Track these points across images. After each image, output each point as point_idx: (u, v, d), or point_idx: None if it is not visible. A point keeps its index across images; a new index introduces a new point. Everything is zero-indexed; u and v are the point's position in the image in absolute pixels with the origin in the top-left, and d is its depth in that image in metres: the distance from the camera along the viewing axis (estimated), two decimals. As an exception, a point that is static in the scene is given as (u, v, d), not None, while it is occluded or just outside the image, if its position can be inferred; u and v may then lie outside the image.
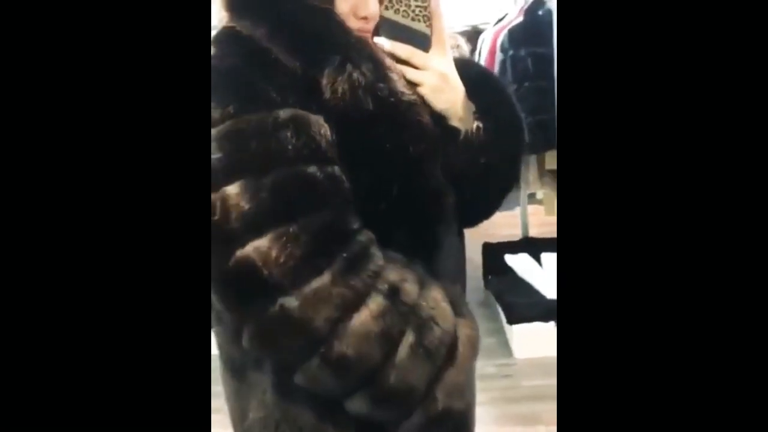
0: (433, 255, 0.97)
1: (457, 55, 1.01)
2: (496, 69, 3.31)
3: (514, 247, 3.77)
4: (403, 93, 0.89)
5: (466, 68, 0.99)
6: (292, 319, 0.82)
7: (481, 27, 3.91)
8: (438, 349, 0.88)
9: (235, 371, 1.00)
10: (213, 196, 0.82)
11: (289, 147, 0.84)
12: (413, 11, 0.93)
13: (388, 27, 0.93)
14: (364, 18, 0.91)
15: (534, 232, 3.97)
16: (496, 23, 3.68)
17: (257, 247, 0.82)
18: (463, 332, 0.91)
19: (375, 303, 0.85)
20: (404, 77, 0.91)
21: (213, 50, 0.88)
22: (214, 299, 0.86)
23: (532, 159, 3.43)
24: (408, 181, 0.91)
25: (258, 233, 0.82)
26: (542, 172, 3.44)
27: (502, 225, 3.06)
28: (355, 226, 0.87)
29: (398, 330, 0.86)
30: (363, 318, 0.84)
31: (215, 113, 0.84)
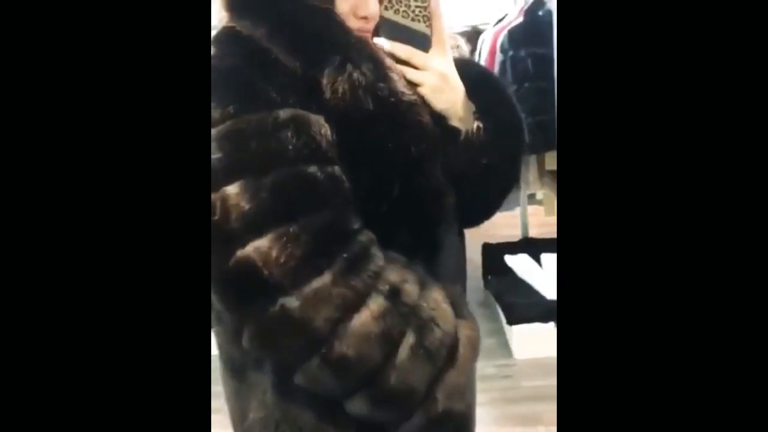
0: (434, 255, 0.97)
1: (457, 55, 1.01)
2: (496, 69, 3.31)
3: (514, 247, 3.77)
4: (403, 93, 0.89)
5: (466, 68, 0.98)
6: (293, 319, 0.82)
7: (481, 27, 3.91)
8: (438, 350, 0.88)
9: (235, 371, 1.00)
10: (213, 196, 0.82)
11: (290, 147, 0.83)
12: (413, 11, 0.93)
13: (388, 27, 0.93)
14: (364, 18, 0.90)
15: (534, 233, 3.97)
16: (496, 24, 3.68)
17: (257, 247, 0.82)
18: (463, 333, 0.91)
19: (375, 303, 0.85)
20: (404, 77, 0.91)
21: (213, 50, 0.88)
22: (215, 299, 0.86)
23: (532, 159, 3.43)
24: (408, 181, 0.90)
25: (258, 233, 0.82)
26: (542, 172, 3.44)
27: (502, 225, 3.05)
28: (356, 226, 0.87)
29: (399, 331, 0.86)
30: (363, 318, 0.84)
31: (215, 113, 0.84)
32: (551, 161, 3.28)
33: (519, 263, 3.58)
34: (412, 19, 0.93)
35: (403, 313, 0.86)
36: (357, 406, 0.88)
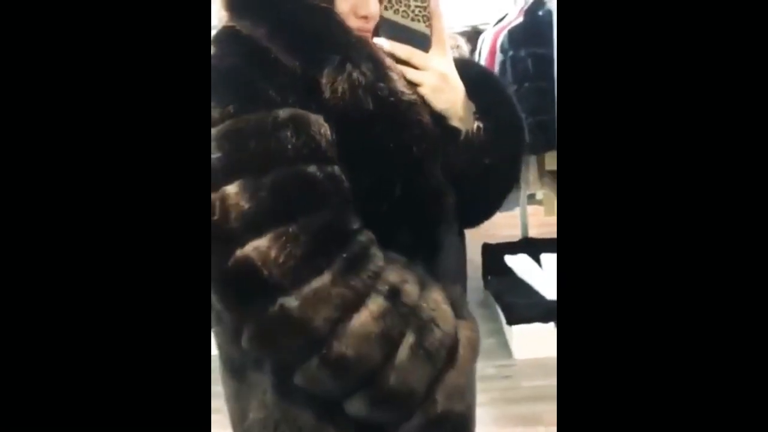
0: (434, 255, 0.97)
1: (457, 55, 1.01)
2: (496, 69, 3.31)
3: (514, 247, 3.77)
4: (403, 92, 0.89)
5: (466, 68, 0.98)
6: (292, 319, 0.82)
7: (481, 27, 3.92)
8: (438, 351, 0.88)
9: (235, 371, 1.00)
10: (212, 195, 0.82)
11: (289, 146, 0.83)
12: (413, 11, 0.92)
13: (387, 27, 0.92)
14: (364, 17, 0.90)
15: (534, 233, 3.98)
16: (496, 24, 3.68)
17: (257, 246, 0.81)
18: (463, 334, 0.91)
19: (375, 304, 0.85)
20: (404, 77, 0.91)
21: (213, 50, 0.88)
22: (214, 299, 0.86)
23: (532, 160, 3.43)
24: (408, 181, 0.90)
25: (257, 233, 0.82)
26: (542, 172, 3.44)
27: (502, 225, 3.06)
28: (355, 226, 0.87)
29: (398, 331, 0.85)
30: (363, 319, 0.84)
31: (215, 113, 0.84)
32: (551, 161, 3.28)
33: (519, 263, 3.58)
34: (412, 19, 0.93)
35: (402, 314, 0.86)
36: (356, 406, 0.88)
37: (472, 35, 3.71)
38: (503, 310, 3.25)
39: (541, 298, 3.21)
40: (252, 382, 0.97)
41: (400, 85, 0.89)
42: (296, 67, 0.87)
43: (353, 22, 0.90)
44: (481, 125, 0.97)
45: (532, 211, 4.13)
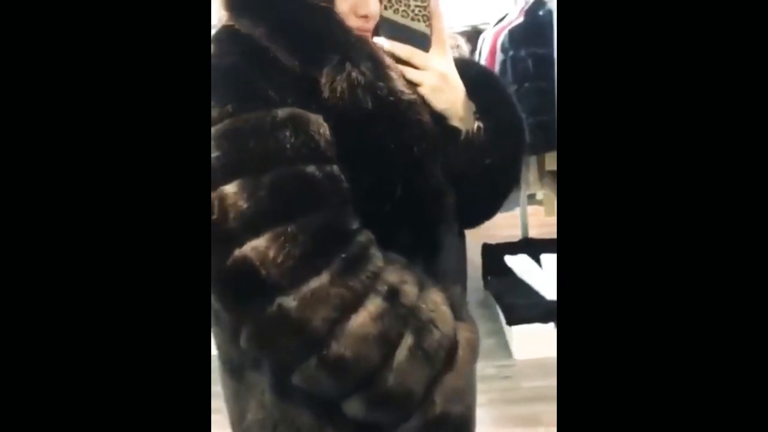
0: (434, 256, 0.96)
1: (457, 55, 1.01)
2: (496, 69, 3.31)
3: (514, 247, 3.77)
4: (402, 92, 0.89)
5: (466, 68, 0.98)
6: (290, 319, 0.82)
7: (481, 27, 3.92)
8: (437, 352, 0.87)
9: (234, 371, 0.99)
10: (211, 195, 0.82)
11: (288, 146, 0.83)
12: (413, 11, 0.92)
13: (387, 27, 0.92)
14: (364, 17, 0.90)
15: (534, 233, 3.98)
16: (497, 24, 3.68)
17: (255, 246, 0.81)
18: (462, 336, 0.91)
19: (374, 304, 0.84)
20: (404, 77, 0.91)
21: (212, 49, 0.88)
22: (212, 299, 0.85)
23: (532, 160, 3.43)
24: (408, 181, 0.90)
25: (256, 233, 0.82)
26: (542, 173, 3.44)
27: (502, 226, 3.05)
28: (354, 226, 0.86)
29: (397, 332, 0.85)
30: (361, 319, 0.83)
31: (214, 112, 0.83)
32: (551, 161, 3.28)
33: (519, 264, 3.58)
34: (412, 19, 0.92)
35: (401, 315, 0.86)
36: (354, 407, 0.88)
37: (472, 35, 3.71)
38: (503, 310, 3.25)
39: (541, 298, 3.21)
40: (250, 383, 0.97)
41: (400, 85, 0.89)
42: (295, 66, 0.86)
43: (353, 22, 0.90)
44: (481, 125, 0.97)
45: (532, 212, 4.13)
